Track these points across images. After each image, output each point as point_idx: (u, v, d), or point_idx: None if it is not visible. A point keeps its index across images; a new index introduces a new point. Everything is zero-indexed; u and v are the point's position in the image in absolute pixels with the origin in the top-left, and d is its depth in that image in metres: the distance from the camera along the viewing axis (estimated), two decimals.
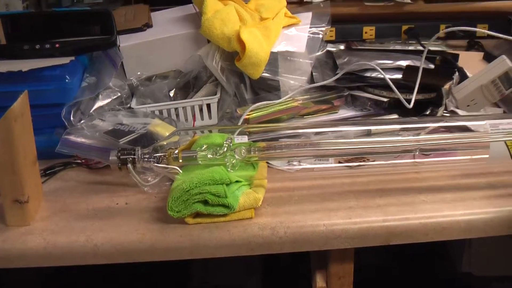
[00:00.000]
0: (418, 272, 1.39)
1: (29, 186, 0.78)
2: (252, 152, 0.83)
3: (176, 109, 1.02)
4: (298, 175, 0.90)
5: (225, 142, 0.83)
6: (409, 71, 1.03)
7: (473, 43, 1.27)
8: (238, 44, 0.99)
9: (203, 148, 0.83)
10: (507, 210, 0.78)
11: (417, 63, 1.08)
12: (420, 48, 1.17)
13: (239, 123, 0.97)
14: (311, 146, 0.83)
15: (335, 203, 0.81)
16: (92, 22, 1.03)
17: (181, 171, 0.82)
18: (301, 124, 1.00)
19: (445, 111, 1.03)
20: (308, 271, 0.92)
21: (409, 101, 0.99)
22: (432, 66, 1.08)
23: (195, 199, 0.76)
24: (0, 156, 0.74)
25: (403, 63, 1.07)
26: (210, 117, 1.02)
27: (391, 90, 1.01)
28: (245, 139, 0.86)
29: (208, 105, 1.02)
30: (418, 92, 1.00)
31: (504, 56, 1.02)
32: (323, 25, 1.12)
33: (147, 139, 0.91)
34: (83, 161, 0.94)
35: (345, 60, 1.11)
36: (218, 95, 1.02)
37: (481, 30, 1.15)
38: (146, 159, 0.83)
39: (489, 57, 1.18)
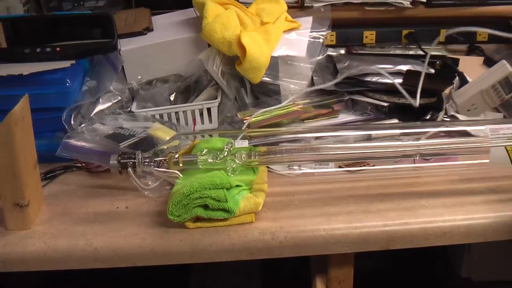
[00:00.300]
0: (418, 277, 1.39)
1: (30, 190, 0.78)
2: (252, 157, 0.83)
3: (176, 113, 1.02)
4: (299, 179, 0.90)
5: (225, 147, 0.83)
6: (410, 76, 1.03)
7: (474, 47, 1.27)
8: (239, 49, 0.99)
9: (204, 152, 0.83)
10: (507, 215, 0.78)
11: (417, 68, 1.08)
12: (421, 52, 1.18)
13: (243, 128, 0.97)
14: (311, 150, 0.83)
15: (336, 207, 0.81)
16: (93, 26, 1.04)
17: (181, 175, 0.83)
18: (301, 129, 1.00)
19: (445, 116, 1.03)
20: (308, 275, 0.92)
21: (411, 106, 0.99)
22: (432, 70, 1.08)
23: (195, 204, 0.76)
24: (1, 159, 0.74)
25: (404, 67, 1.07)
26: (210, 121, 1.02)
27: (391, 94, 1.01)
28: (245, 143, 0.86)
29: (209, 109, 1.02)
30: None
31: (504, 61, 1.02)
32: (324, 29, 1.12)
33: (148, 143, 0.91)
34: (84, 164, 0.94)
35: (346, 64, 1.11)
36: (219, 99, 1.02)
37: (482, 29, 1.15)
38: (147, 163, 0.83)
39: (489, 62, 1.18)
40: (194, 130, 1.02)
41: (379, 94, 1.04)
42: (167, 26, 1.14)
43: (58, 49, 0.97)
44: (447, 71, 1.09)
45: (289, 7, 1.15)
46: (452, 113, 1.04)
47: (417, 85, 1.00)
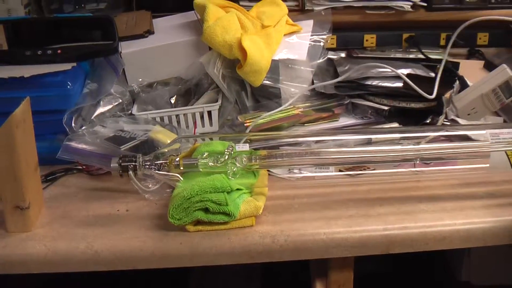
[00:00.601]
0: (418, 281, 1.39)
1: (30, 192, 0.78)
2: (253, 160, 0.83)
3: (177, 116, 1.02)
4: (299, 183, 0.90)
5: (226, 150, 0.83)
6: (410, 80, 1.03)
7: (474, 51, 1.27)
8: (240, 52, 0.99)
9: (204, 155, 0.83)
10: (507, 220, 0.78)
11: (417, 72, 1.09)
12: (421, 56, 1.18)
13: (247, 131, 0.97)
14: (311, 154, 0.83)
15: (336, 211, 0.81)
16: (94, 29, 1.04)
17: (182, 179, 0.83)
18: (301, 132, 1.00)
19: (445, 120, 1.03)
20: (308, 279, 0.92)
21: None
22: (432, 74, 1.08)
23: (196, 207, 0.76)
24: (2, 162, 0.74)
25: (404, 71, 1.08)
26: (211, 124, 1.02)
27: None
28: (246, 147, 0.86)
29: (209, 112, 1.02)
30: (418, 101, 1.01)
31: (504, 65, 1.02)
32: (324, 32, 1.12)
33: (148, 146, 0.91)
34: (84, 167, 0.94)
35: (346, 67, 1.12)
36: (219, 102, 1.02)
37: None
38: (147, 166, 0.83)
39: (489, 66, 1.19)
40: (194, 133, 1.02)
41: (380, 97, 1.04)
42: (168, 29, 1.14)
43: (59, 51, 0.97)
44: (447, 75, 1.09)
45: (290, 11, 1.15)
46: (452, 117, 1.04)
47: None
